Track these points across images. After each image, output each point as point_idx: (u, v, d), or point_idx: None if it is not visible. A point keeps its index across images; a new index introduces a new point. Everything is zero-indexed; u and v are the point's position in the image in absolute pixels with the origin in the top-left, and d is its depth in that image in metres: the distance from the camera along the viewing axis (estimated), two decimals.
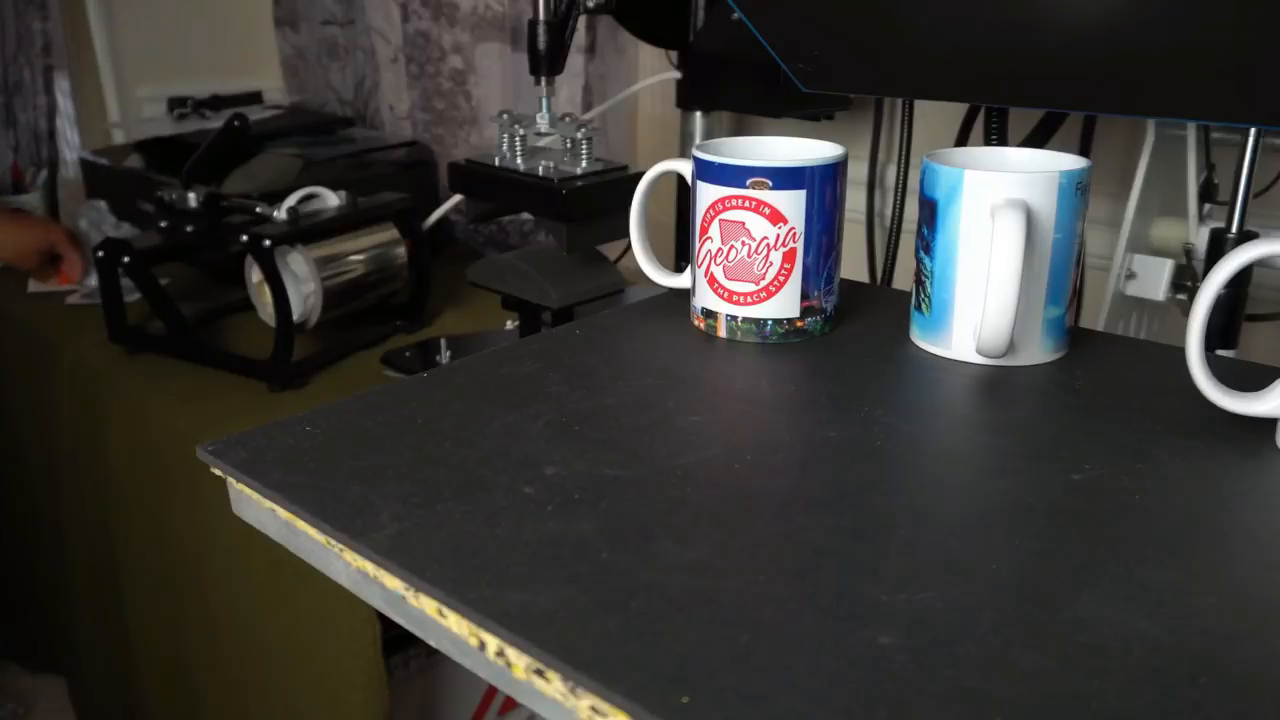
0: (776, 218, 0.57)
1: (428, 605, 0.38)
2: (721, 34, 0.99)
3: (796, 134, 0.65)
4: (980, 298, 0.53)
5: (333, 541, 0.41)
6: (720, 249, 0.59)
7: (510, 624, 0.35)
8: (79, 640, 1.23)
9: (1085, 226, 0.57)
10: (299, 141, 1.32)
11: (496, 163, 0.95)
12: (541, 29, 0.92)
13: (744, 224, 0.58)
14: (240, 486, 0.47)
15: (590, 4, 0.96)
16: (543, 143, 0.99)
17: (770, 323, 0.60)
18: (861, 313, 0.65)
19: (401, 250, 1.08)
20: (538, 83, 0.94)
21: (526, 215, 1.19)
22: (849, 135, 1.13)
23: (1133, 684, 0.32)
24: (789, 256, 0.58)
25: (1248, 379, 0.49)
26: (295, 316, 0.93)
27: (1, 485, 1.34)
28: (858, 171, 1.03)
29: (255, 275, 0.96)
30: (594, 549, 0.39)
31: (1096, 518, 0.41)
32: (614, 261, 1.03)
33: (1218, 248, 0.75)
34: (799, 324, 0.60)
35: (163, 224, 1.04)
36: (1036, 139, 0.84)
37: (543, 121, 0.94)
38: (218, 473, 0.48)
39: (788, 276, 0.59)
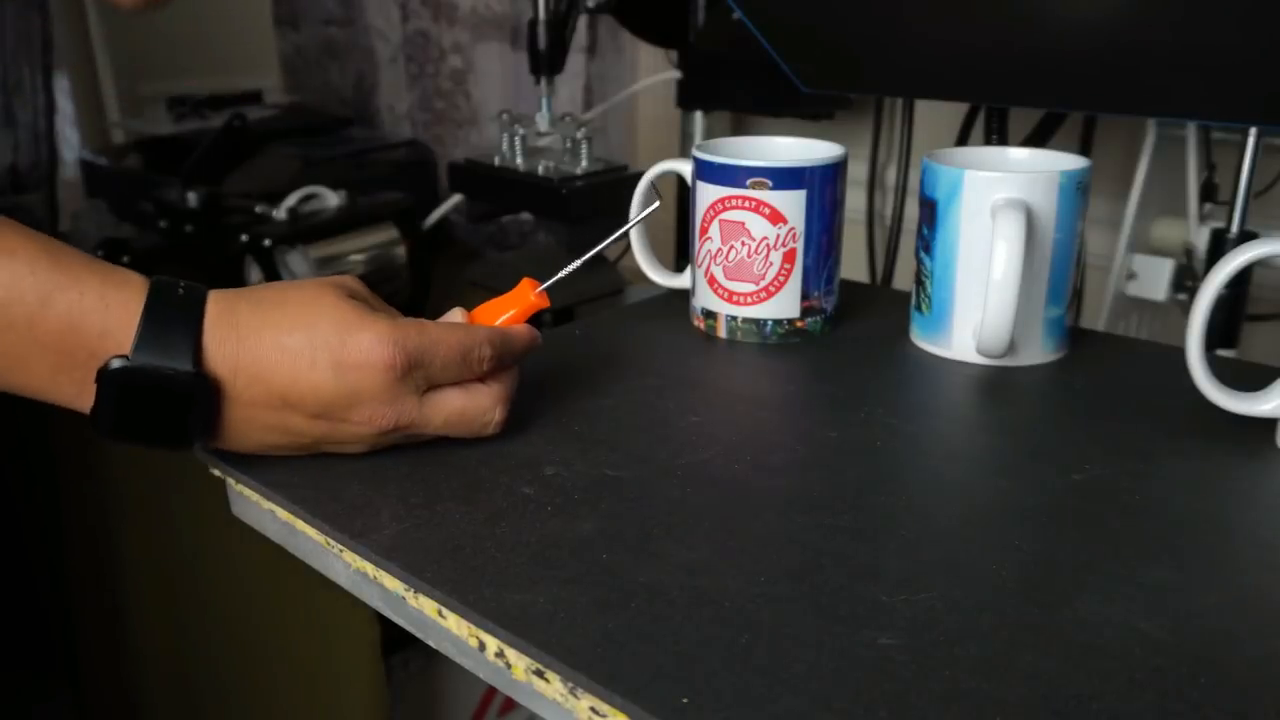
0: (776, 218, 0.57)
1: (427, 606, 0.38)
2: (721, 34, 0.99)
3: (796, 134, 0.65)
4: (980, 298, 0.53)
5: (332, 542, 0.41)
6: (720, 249, 0.59)
7: (510, 624, 0.34)
8: (79, 641, 1.23)
9: (1085, 226, 0.57)
10: (299, 141, 1.32)
11: (496, 163, 0.95)
12: (541, 29, 0.92)
13: (744, 224, 0.58)
14: (239, 487, 0.47)
15: (590, 4, 0.96)
16: (543, 142, 0.99)
17: (770, 323, 0.60)
18: (861, 313, 0.65)
19: (401, 250, 1.08)
20: (538, 82, 0.94)
21: (526, 215, 1.19)
22: (849, 135, 1.13)
23: (1133, 684, 0.32)
24: (789, 256, 0.58)
25: (1248, 379, 0.49)
26: None
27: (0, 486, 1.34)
28: (858, 171, 1.03)
29: (255, 275, 0.96)
30: (594, 549, 0.39)
31: (1096, 518, 0.41)
32: (614, 261, 1.03)
33: (1218, 248, 0.75)
34: (799, 324, 0.60)
35: (163, 224, 1.04)
36: (1036, 139, 0.84)
37: (543, 121, 0.94)
38: (217, 473, 0.48)
39: (788, 276, 0.58)
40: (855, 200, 0.87)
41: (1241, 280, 0.73)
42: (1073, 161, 0.56)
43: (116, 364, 0.38)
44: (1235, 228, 0.73)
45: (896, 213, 0.96)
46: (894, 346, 0.60)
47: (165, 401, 0.39)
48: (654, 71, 1.20)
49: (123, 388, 0.39)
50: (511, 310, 0.48)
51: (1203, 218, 0.83)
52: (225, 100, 1.50)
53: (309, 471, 0.45)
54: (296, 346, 0.41)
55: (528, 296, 0.48)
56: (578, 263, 0.50)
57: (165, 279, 0.40)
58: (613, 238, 0.51)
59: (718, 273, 0.60)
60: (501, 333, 0.46)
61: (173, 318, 0.39)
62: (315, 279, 0.44)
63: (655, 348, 0.60)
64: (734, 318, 0.60)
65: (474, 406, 0.45)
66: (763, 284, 0.59)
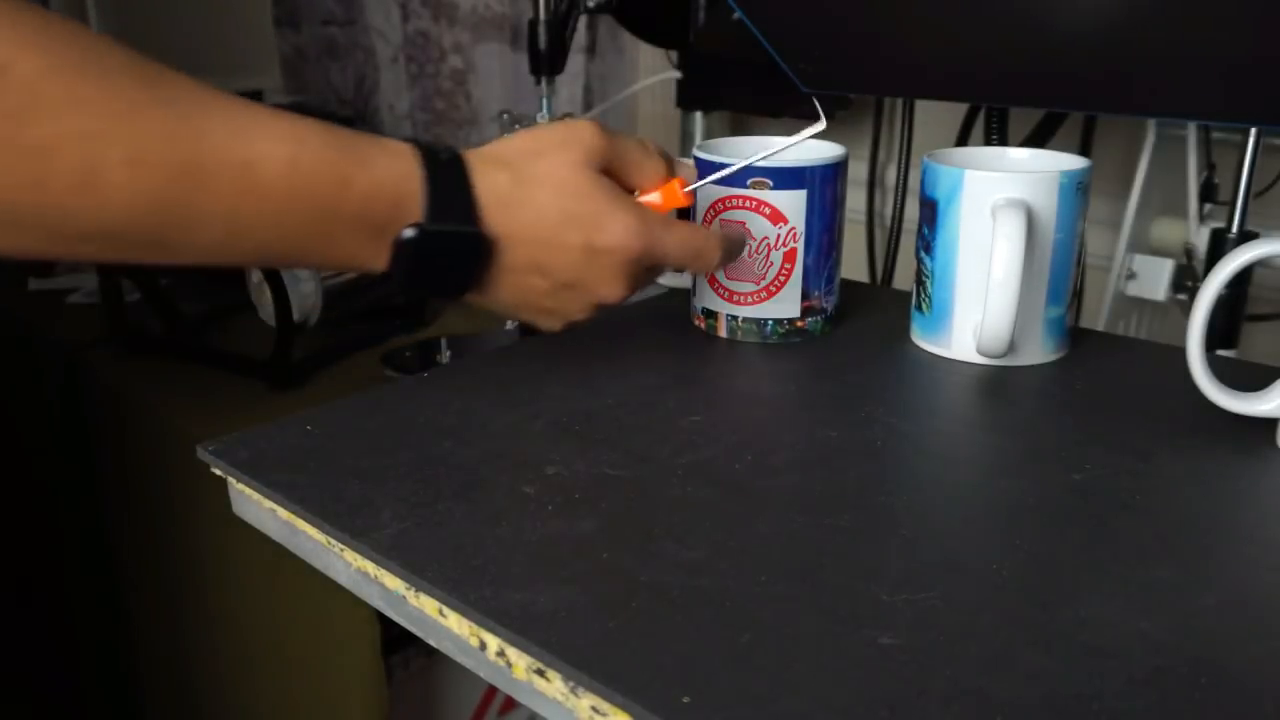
0: (777, 218, 0.57)
1: (428, 605, 0.38)
2: (721, 34, 0.99)
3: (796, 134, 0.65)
4: (980, 298, 0.53)
5: (333, 541, 0.41)
6: None
7: (510, 624, 0.35)
8: (78, 640, 1.23)
9: (1085, 226, 0.57)
10: None
11: None
12: (542, 29, 0.92)
13: (744, 224, 0.58)
14: (240, 487, 0.47)
15: (590, 4, 0.96)
16: None
17: (771, 323, 0.60)
18: (861, 313, 0.65)
19: None
20: (538, 83, 0.94)
21: None
22: (849, 135, 1.13)
23: (1133, 684, 0.32)
24: (789, 256, 0.58)
25: (1248, 379, 0.49)
26: (295, 316, 0.93)
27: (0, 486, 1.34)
28: (858, 171, 1.03)
29: (255, 275, 0.96)
30: (594, 549, 0.39)
31: (1096, 518, 0.41)
32: None
33: (1218, 248, 0.75)
34: (799, 324, 0.60)
35: None
36: (1036, 139, 0.84)
37: (543, 121, 0.94)
38: (218, 473, 0.48)
39: (788, 276, 0.59)
40: (855, 200, 0.87)
41: (1241, 280, 0.73)
42: (1073, 161, 0.56)
43: (410, 233, 0.43)
44: (1235, 228, 0.73)
45: (896, 213, 0.96)
46: (894, 346, 0.60)
47: (453, 258, 0.45)
48: (654, 71, 1.20)
49: (418, 250, 0.44)
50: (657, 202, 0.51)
51: (1203, 218, 0.83)
52: None
53: (309, 471, 0.45)
54: (553, 224, 0.46)
55: (676, 196, 0.51)
56: (735, 166, 0.54)
57: (425, 146, 0.45)
58: (781, 147, 0.54)
59: (718, 272, 0.60)
60: (726, 239, 0.51)
61: (451, 188, 0.44)
62: (562, 141, 0.47)
63: (656, 348, 0.60)
64: (734, 317, 0.60)
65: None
66: (763, 284, 0.59)
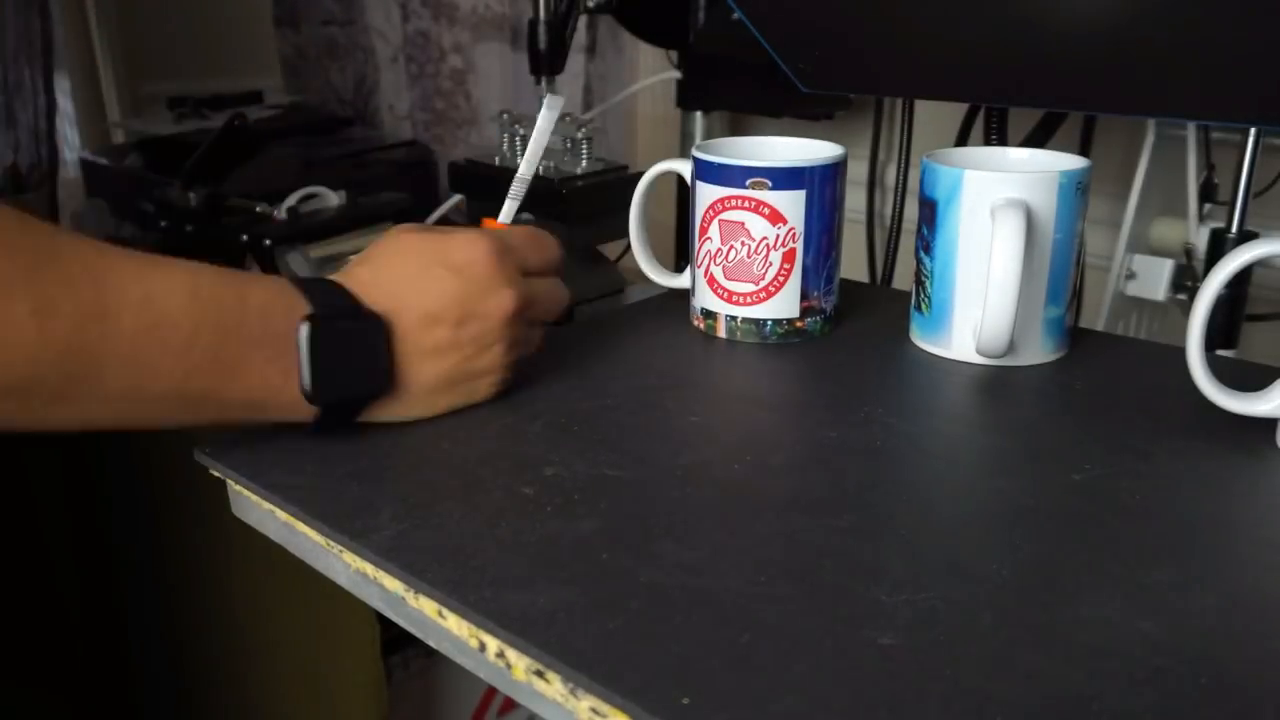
0: (776, 218, 0.57)
1: (427, 606, 0.38)
2: (721, 34, 0.99)
3: (796, 134, 0.65)
4: (980, 298, 0.53)
5: (332, 542, 0.41)
6: (720, 249, 0.59)
7: (510, 624, 0.35)
8: (77, 640, 1.23)
9: (1085, 226, 0.57)
10: (299, 141, 1.32)
11: (496, 163, 0.95)
12: (541, 29, 0.92)
13: (744, 224, 0.58)
14: (239, 488, 0.47)
15: (590, 4, 0.96)
16: None
17: (770, 323, 0.60)
18: (861, 313, 0.65)
19: None
20: (538, 83, 0.94)
21: (527, 215, 1.19)
22: (849, 135, 1.13)
23: (1133, 684, 0.32)
24: (789, 257, 0.58)
25: (1248, 379, 0.49)
26: None
27: None
28: (858, 171, 1.03)
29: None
30: (594, 549, 0.39)
31: (1096, 518, 0.41)
32: (614, 261, 1.03)
33: (1218, 248, 0.75)
34: (799, 324, 0.60)
35: (163, 224, 1.04)
36: (1036, 139, 0.84)
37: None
38: (217, 474, 0.48)
39: (787, 277, 0.58)
40: (855, 200, 0.87)
41: (1241, 280, 0.73)
42: (1073, 161, 0.56)
43: (306, 326, 0.44)
44: (1235, 228, 0.72)
45: (896, 213, 0.95)
46: (894, 346, 0.60)
47: (355, 342, 0.46)
48: (654, 71, 1.20)
49: (319, 341, 0.44)
50: None
51: (1203, 218, 0.83)
52: (225, 100, 1.50)
53: (308, 472, 0.45)
54: (415, 273, 0.48)
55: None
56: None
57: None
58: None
59: (717, 273, 0.60)
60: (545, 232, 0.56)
61: (326, 286, 0.47)
62: (394, 232, 0.50)
63: (655, 348, 0.60)
64: (734, 318, 0.60)
65: (554, 285, 0.53)
66: (762, 284, 0.59)
